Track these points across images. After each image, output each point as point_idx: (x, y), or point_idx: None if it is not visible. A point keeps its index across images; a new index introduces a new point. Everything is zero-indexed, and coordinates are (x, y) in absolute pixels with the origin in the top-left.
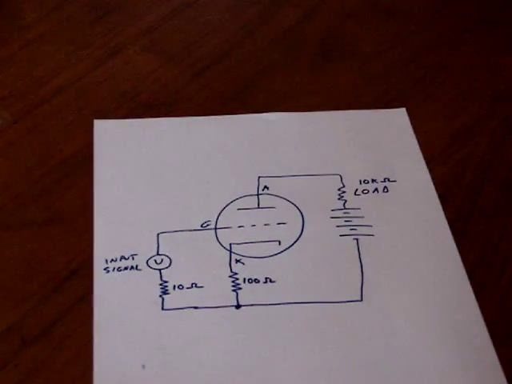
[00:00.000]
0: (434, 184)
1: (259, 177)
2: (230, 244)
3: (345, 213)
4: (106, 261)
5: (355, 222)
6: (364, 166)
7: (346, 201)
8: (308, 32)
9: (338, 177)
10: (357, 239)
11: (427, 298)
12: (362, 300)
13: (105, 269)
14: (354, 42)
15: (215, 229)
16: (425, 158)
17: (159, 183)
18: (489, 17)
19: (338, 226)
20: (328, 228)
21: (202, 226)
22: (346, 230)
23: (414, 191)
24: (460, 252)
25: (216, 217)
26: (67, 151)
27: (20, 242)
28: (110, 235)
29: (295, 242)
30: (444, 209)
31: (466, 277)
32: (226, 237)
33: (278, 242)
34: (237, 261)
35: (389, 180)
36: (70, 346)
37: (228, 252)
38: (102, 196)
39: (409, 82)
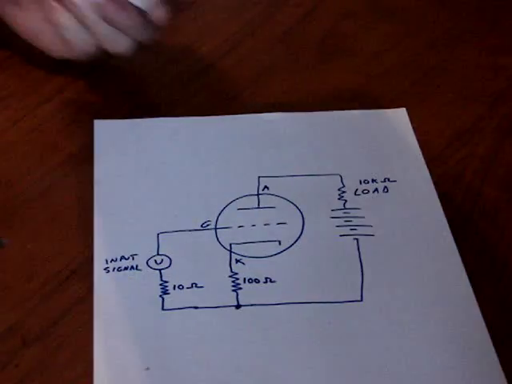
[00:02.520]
0: (434, 184)
1: (259, 177)
2: (230, 244)
3: (345, 213)
4: (106, 261)
5: (355, 222)
6: (364, 166)
7: (346, 201)
8: (308, 32)
9: (338, 177)
10: (357, 239)
11: (427, 298)
12: (361, 300)
13: (105, 269)
14: (354, 42)
15: (215, 229)
16: (425, 158)
17: (159, 183)
18: (489, 17)
19: (338, 226)
20: (328, 228)
21: (202, 225)
22: (346, 230)
23: (414, 191)
24: (460, 252)
25: (216, 217)
26: (67, 151)
27: (20, 241)
28: (110, 235)
29: (295, 242)
30: (444, 209)
31: (466, 277)
32: (226, 237)
33: (278, 242)
34: (237, 261)
35: (389, 180)
36: (69, 346)
37: (228, 252)
38: (102, 196)
39: (409, 82)
